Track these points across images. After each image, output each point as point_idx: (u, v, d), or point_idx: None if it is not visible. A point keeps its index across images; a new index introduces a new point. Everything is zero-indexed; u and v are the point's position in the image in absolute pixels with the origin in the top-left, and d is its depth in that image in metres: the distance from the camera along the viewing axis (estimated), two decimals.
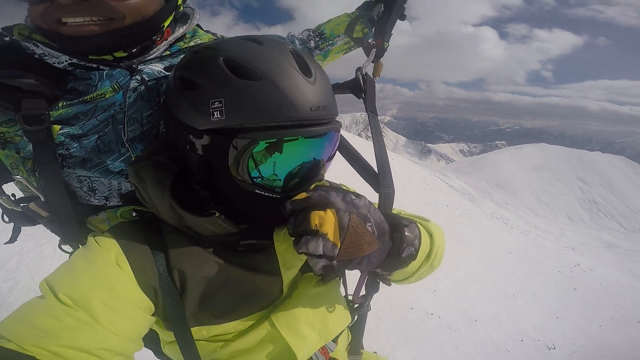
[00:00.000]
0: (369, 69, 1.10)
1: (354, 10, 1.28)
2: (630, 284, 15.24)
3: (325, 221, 0.62)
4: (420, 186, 13.83)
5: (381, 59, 1.18)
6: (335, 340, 0.88)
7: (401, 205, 0.97)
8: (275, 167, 0.67)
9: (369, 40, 1.20)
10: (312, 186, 0.73)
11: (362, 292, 0.95)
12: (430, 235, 0.80)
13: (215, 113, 0.63)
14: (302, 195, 0.68)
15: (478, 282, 7.32)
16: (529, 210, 37.12)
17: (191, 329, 0.69)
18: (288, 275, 0.78)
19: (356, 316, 0.99)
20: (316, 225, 0.62)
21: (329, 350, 0.85)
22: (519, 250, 14.20)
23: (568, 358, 5.69)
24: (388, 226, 0.70)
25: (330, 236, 0.62)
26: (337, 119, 0.74)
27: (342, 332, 0.89)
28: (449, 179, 34.58)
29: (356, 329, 1.05)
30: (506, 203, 37.07)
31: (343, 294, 0.97)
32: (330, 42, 1.21)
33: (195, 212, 0.69)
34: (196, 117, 0.65)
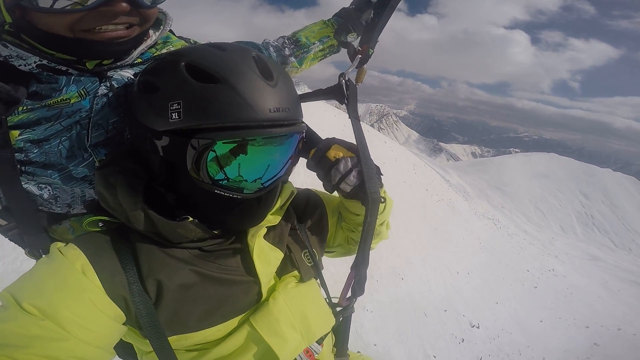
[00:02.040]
0: (352, 75, 1.11)
1: (330, 17, 1.29)
2: (599, 294, 15.75)
3: (337, 150, 0.86)
4: (404, 168, 14.55)
5: (365, 65, 1.16)
6: (320, 343, 0.87)
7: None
8: (240, 168, 0.68)
9: (355, 47, 1.19)
10: (313, 151, 0.89)
11: (348, 294, 1.00)
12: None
13: (173, 114, 0.65)
14: (312, 151, 0.88)
15: (424, 253, 7.68)
16: (523, 215, 37.70)
17: (169, 337, 0.69)
18: (265, 278, 0.78)
19: (341, 318, 1.01)
20: (334, 156, 0.85)
21: (315, 353, 0.85)
22: (494, 245, 14.91)
23: (488, 339, 5.86)
24: (374, 164, 0.90)
25: (346, 154, 0.86)
26: (302, 122, 0.77)
27: (327, 334, 0.90)
28: (448, 174, 35.01)
29: (341, 331, 1.05)
30: (502, 206, 37.59)
31: (325, 296, 0.99)
32: (305, 49, 1.22)
33: (168, 218, 0.69)
34: (156, 118, 0.68)
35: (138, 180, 0.72)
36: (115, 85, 0.79)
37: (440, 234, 10.10)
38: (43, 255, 0.87)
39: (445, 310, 5.94)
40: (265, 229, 0.81)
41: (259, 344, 0.74)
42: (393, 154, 15.01)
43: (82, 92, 0.76)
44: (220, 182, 0.68)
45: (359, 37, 1.26)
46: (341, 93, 1.00)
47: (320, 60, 1.32)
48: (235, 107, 0.65)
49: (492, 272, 10.30)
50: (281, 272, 0.84)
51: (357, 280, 0.97)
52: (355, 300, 1.02)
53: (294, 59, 1.22)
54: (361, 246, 0.92)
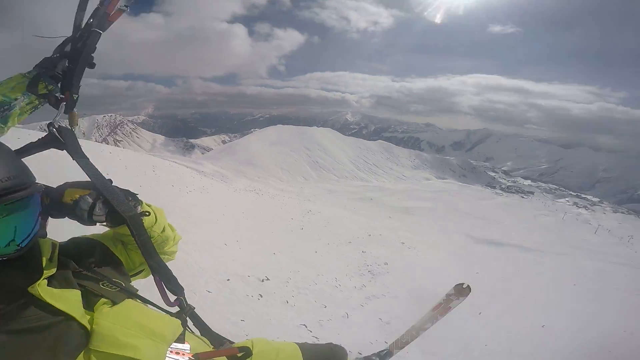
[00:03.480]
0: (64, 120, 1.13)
1: (30, 69, 1.18)
2: (346, 216, 21.33)
3: (72, 193, 0.95)
4: (142, 172, 13.75)
5: (74, 109, 1.17)
6: (182, 342, 0.90)
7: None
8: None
9: (56, 95, 1.15)
10: (47, 200, 0.94)
11: (172, 296, 1.09)
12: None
13: None
14: (47, 200, 0.94)
15: (192, 238, 7.82)
16: (276, 178, 45.18)
17: None
18: (76, 312, 0.78)
19: (186, 318, 1.06)
20: (71, 199, 0.95)
21: (185, 350, 0.88)
22: (259, 209, 16.24)
23: (282, 284, 6.41)
24: (120, 191, 1.01)
25: (83, 192, 0.95)
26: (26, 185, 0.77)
27: (182, 332, 0.93)
28: (201, 166, 35.90)
29: (199, 325, 1.16)
30: (258, 177, 43.53)
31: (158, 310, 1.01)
32: (7, 106, 1.11)
33: None
34: None
35: None
36: None
37: (197, 218, 9.99)
38: None
39: (228, 280, 5.96)
40: (46, 281, 0.80)
41: (116, 359, 0.76)
42: (122, 162, 13.66)
43: None
44: None
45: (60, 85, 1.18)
46: (56, 141, 1.03)
47: (32, 112, 1.17)
48: None
49: (260, 232, 11.07)
50: (89, 305, 0.85)
51: (166, 282, 1.07)
52: (185, 297, 1.10)
53: None
54: (147, 257, 1.03)
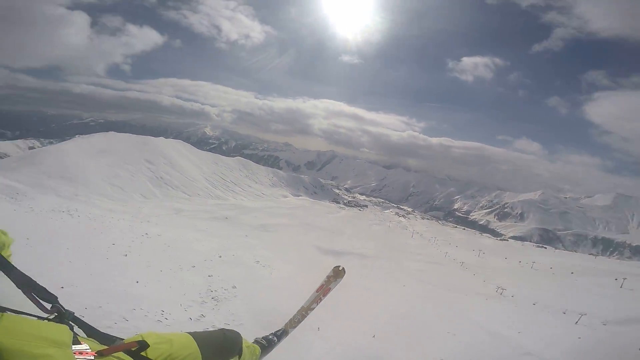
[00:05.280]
0: None
1: None
2: (195, 237, 18.98)
3: None
4: None
5: None
6: (79, 343, 0.91)
7: None
8: None
9: None
10: None
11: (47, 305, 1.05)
12: None
13: None
14: None
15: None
16: (103, 196, 36.26)
17: None
18: None
19: (69, 322, 1.03)
20: None
21: (86, 350, 0.90)
22: (71, 236, 13.06)
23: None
24: None
25: None
26: None
27: (72, 337, 0.90)
28: None
29: (84, 327, 1.11)
30: (76, 195, 33.91)
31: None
32: None
33: None
34: None
35: None
36: None
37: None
38: None
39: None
40: None
41: None
42: None
43: None
44: None
45: None
46: None
47: None
48: None
49: (60, 263, 8.67)
50: None
51: (37, 292, 1.06)
52: (62, 306, 1.05)
53: None
54: (6, 273, 1.03)
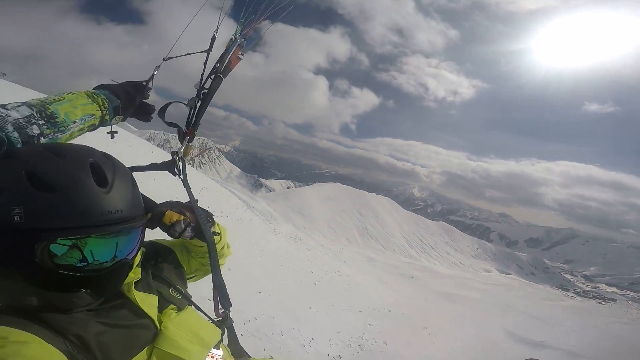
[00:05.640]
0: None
1: (96, 89, 1.22)
2: (375, 287, 20.36)
3: (171, 215, 1.15)
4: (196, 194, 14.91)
5: (190, 143, 1.33)
6: (217, 347, 1.10)
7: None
8: (94, 255, 0.84)
9: (183, 129, 1.34)
10: (149, 216, 1.12)
11: (221, 309, 1.31)
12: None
13: (15, 217, 0.77)
14: (148, 216, 1.10)
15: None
16: (320, 233, 45.12)
17: None
18: (152, 314, 0.99)
19: (225, 328, 1.27)
20: (169, 220, 1.14)
21: (218, 356, 1.08)
22: (286, 254, 16.44)
23: (241, 322, 6.28)
24: (204, 213, 1.23)
25: (177, 218, 1.15)
26: (139, 214, 0.94)
27: (219, 341, 1.13)
28: (254, 201, 38.48)
29: (230, 336, 1.34)
30: (304, 227, 43.91)
31: (206, 318, 1.25)
32: (63, 128, 1.05)
33: (62, 291, 0.84)
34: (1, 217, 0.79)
35: (9, 269, 0.82)
36: None
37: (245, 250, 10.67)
38: None
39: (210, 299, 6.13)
40: (134, 284, 1.00)
41: (172, 359, 0.94)
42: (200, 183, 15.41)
43: None
44: (79, 265, 0.84)
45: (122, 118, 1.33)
46: (173, 168, 1.29)
47: (84, 133, 1.18)
48: (69, 214, 0.79)
49: (267, 271, 11.07)
50: (161, 308, 1.05)
51: (221, 296, 1.31)
52: (229, 312, 1.31)
53: (43, 139, 1.00)
54: (213, 274, 1.27)
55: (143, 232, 1.00)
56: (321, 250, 29.45)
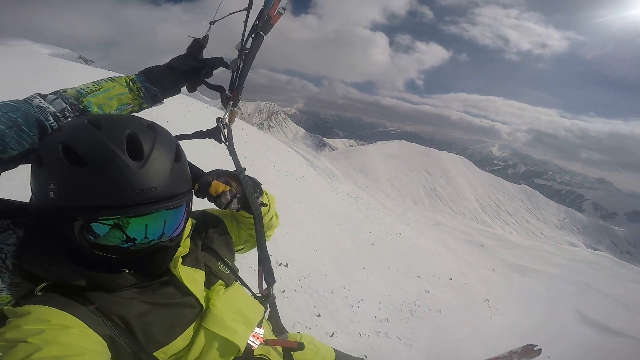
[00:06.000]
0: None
1: (134, 75, 1.16)
2: (440, 252, 18.82)
3: (217, 186, 1.10)
4: (257, 150, 15.48)
5: (235, 108, 1.29)
6: (260, 326, 1.10)
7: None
8: (145, 231, 0.83)
9: (226, 94, 1.27)
10: (196, 187, 1.08)
11: (265, 285, 1.29)
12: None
13: (50, 193, 0.75)
14: (196, 186, 1.07)
15: (281, 219, 8.46)
16: (383, 192, 44.50)
17: (153, 354, 0.84)
18: (199, 293, 0.98)
19: (268, 305, 1.26)
20: (215, 191, 1.09)
21: (259, 335, 1.08)
22: (344, 213, 16.05)
23: (296, 277, 6.36)
24: (251, 183, 1.16)
25: (223, 188, 1.10)
26: (180, 190, 0.88)
27: (262, 319, 1.13)
28: (317, 160, 39.00)
29: (272, 314, 1.33)
30: (366, 186, 43.42)
31: (250, 294, 1.22)
32: None
33: (105, 272, 0.83)
34: (39, 191, 0.79)
35: (57, 248, 0.83)
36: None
37: (286, 203, 10.74)
38: None
39: (273, 258, 6.42)
40: (181, 259, 0.98)
41: (217, 339, 0.95)
42: (246, 137, 16.00)
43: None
44: (123, 245, 0.82)
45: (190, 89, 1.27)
46: (219, 135, 1.23)
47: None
48: (97, 191, 0.74)
49: (325, 229, 10.98)
50: (208, 284, 1.05)
51: (266, 273, 1.29)
52: (273, 289, 1.30)
53: None
54: (259, 248, 1.23)
55: (189, 206, 0.97)
56: (383, 210, 29.01)
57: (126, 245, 0.82)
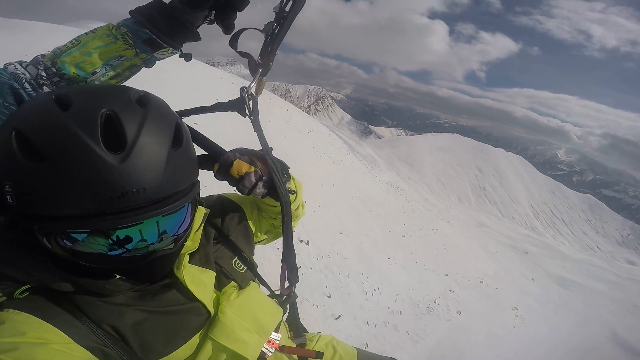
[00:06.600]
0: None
1: (122, 21, 0.88)
2: (477, 254, 17.52)
3: (240, 166, 0.93)
4: (299, 130, 15.59)
5: (264, 77, 1.10)
6: (277, 331, 0.99)
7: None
8: (140, 234, 0.66)
9: (256, 60, 1.08)
10: (216, 167, 0.95)
11: (286, 284, 1.12)
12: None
13: (7, 197, 0.59)
14: (216, 167, 0.94)
15: (310, 198, 8.75)
16: (426, 185, 42.63)
17: None
18: (206, 299, 0.86)
19: (287, 306, 1.13)
20: (237, 173, 0.93)
21: (276, 341, 0.97)
22: (380, 200, 15.80)
23: (315, 256, 6.39)
24: (279, 166, 0.99)
25: (247, 169, 0.93)
26: (187, 180, 0.73)
27: (279, 323, 1.01)
28: (360, 146, 38.39)
29: (292, 315, 1.19)
30: (408, 177, 42.16)
31: (267, 293, 1.10)
32: (82, 84, 0.84)
33: (93, 278, 0.68)
34: None
35: (37, 250, 0.66)
36: None
37: (305, 177, 11.10)
38: None
39: (304, 242, 6.28)
40: (188, 256, 0.84)
41: (226, 351, 0.85)
42: (288, 118, 16.37)
43: None
44: (125, 248, 0.67)
45: (179, 53, 0.97)
46: (243, 107, 1.02)
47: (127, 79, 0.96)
48: (57, 196, 0.56)
49: (355, 214, 10.92)
50: (219, 286, 0.92)
51: (289, 270, 1.12)
52: (295, 288, 1.14)
53: None
54: (284, 242, 1.06)
55: (195, 204, 0.81)
56: (423, 204, 28.02)
57: (115, 252, 0.66)
